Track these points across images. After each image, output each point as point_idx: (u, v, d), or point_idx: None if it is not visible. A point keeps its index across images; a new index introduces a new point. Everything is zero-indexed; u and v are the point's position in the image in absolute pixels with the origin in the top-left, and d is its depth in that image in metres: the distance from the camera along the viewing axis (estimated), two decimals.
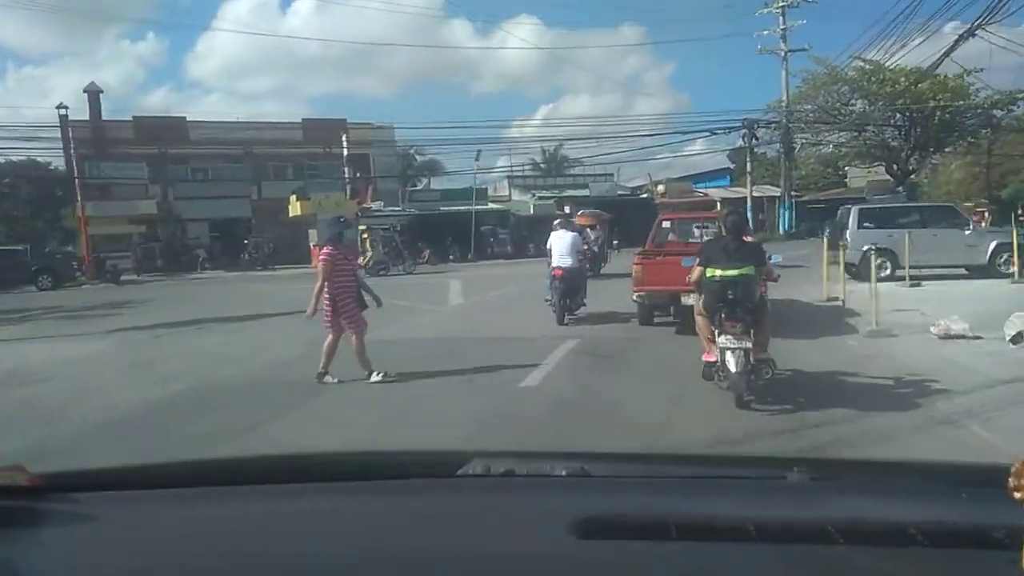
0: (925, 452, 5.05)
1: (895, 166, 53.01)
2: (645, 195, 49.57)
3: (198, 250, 37.24)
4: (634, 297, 11.30)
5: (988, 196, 54.29)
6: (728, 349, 6.55)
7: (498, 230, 40.72)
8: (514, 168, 48.40)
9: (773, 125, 46.65)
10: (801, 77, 48.45)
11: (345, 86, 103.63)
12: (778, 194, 47.86)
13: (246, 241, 37.55)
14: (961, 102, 47.76)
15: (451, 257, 38.02)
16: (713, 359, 6.84)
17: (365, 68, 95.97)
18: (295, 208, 37.50)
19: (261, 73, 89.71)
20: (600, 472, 1.59)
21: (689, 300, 9.07)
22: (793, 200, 46.29)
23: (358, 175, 42.17)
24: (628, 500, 1.36)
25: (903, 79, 46.24)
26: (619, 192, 48.62)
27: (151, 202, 37.29)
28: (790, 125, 45.67)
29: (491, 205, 42.73)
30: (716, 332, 6.75)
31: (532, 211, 43.17)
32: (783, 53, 45.95)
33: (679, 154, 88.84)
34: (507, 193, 48.38)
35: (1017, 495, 0.92)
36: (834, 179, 60.39)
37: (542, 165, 58.92)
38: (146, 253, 34.08)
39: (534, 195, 46.12)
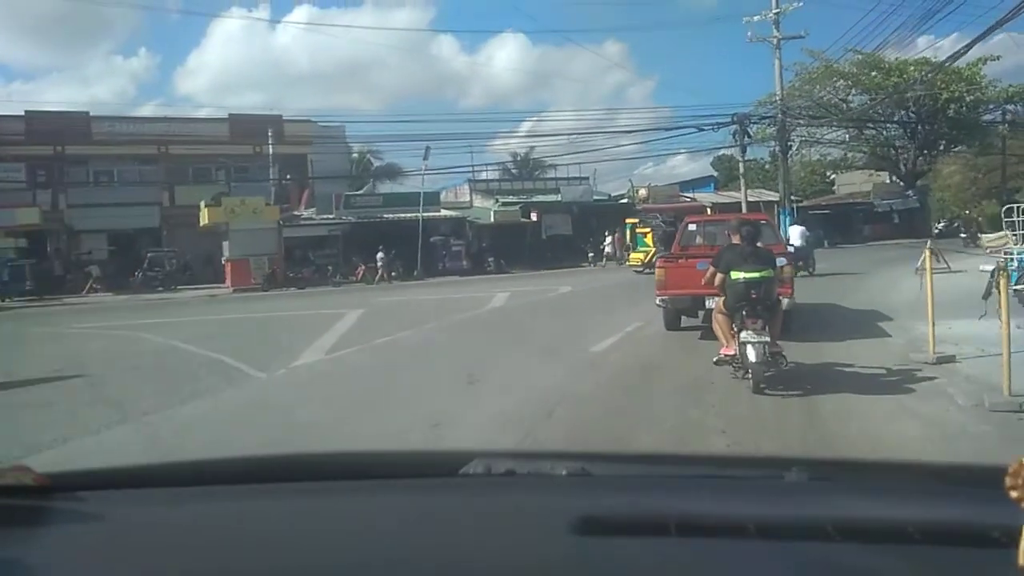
0: None
1: (902, 167, 47.73)
2: (625, 200, 43.97)
3: (91, 267, 31.24)
4: (657, 302, 11.05)
5: (1002, 200, 49.17)
6: (749, 343, 7.28)
7: (451, 241, 35.01)
8: (476, 169, 42.65)
9: (767, 121, 41.10)
10: (794, 71, 43.02)
11: (330, 102, 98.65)
12: (776, 198, 42.30)
13: (151, 255, 31.65)
14: (978, 94, 42.58)
15: (393, 274, 32.30)
16: (732, 352, 7.67)
17: (351, 84, 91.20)
18: (204, 216, 31.64)
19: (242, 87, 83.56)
20: (601, 472, 1.57)
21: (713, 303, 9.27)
22: (794, 205, 40.78)
23: (288, 177, 36.31)
24: (629, 499, 1.36)
25: (912, 68, 40.92)
26: (595, 198, 42.90)
27: (34, 210, 31.28)
28: (786, 120, 40.11)
29: (444, 212, 36.89)
30: (737, 328, 7.56)
31: (492, 219, 37.41)
32: (776, 41, 40.39)
33: (661, 154, 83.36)
34: (468, 199, 42.62)
35: (1014, 494, 0.91)
36: (821, 186, 55.12)
37: (513, 170, 53.33)
38: (13, 273, 28.03)
39: (498, 201, 40.41)
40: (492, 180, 43.62)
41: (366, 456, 2.00)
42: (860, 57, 40.62)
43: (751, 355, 7.21)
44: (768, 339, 7.30)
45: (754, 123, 40.40)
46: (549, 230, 39.74)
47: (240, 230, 30.83)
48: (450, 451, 2.22)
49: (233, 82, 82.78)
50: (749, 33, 40.13)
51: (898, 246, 37.78)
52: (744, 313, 7.45)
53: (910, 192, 46.89)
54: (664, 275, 10.96)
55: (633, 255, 29.67)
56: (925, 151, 46.36)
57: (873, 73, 42.61)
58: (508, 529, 1.25)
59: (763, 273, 7.59)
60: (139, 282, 30.41)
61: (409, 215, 33.92)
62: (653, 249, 26.11)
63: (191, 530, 1.30)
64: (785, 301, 9.21)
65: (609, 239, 36.74)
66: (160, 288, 30.29)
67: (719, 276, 7.88)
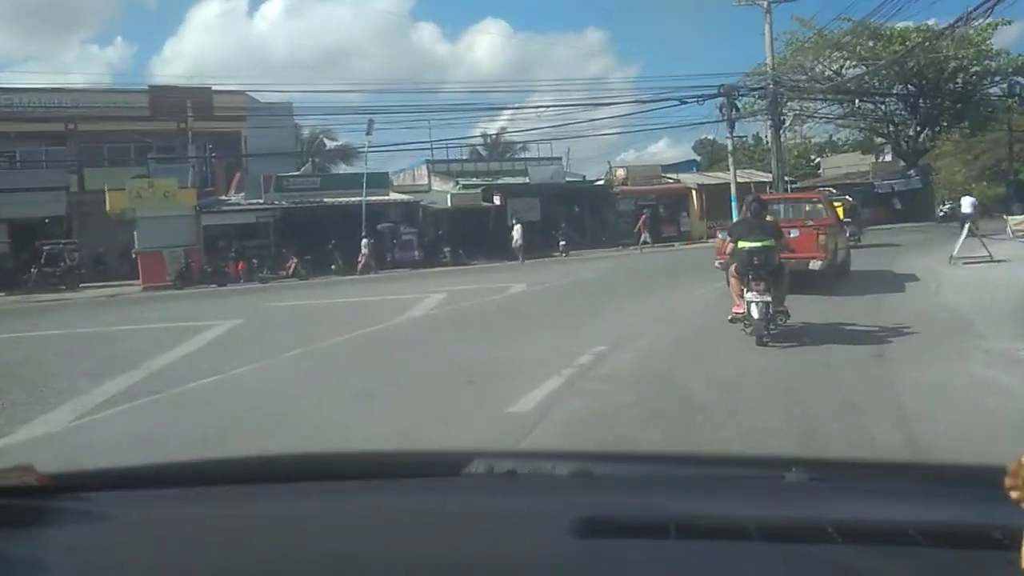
0: None
1: (903, 144, 43.83)
2: (600, 182, 39.82)
3: None
4: (717, 264, 12.11)
5: (1008, 181, 45.45)
6: (753, 302, 8.42)
7: (402, 229, 30.72)
8: (435, 147, 38.30)
9: (756, 93, 37.01)
10: (784, 40, 38.92)
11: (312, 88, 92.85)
12: (767, 179, 38.29)
13: (48, 249, 27.23)
14: (986, 63, 38.69)
15: (332, 267, 28.09)
16: (741, 311, 8.78)
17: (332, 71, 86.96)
18: (109, 201, 27.25)
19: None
20: (602, 472, 1.55)
21: None
22: (788, 186, 36.82)
23: (213, 155, 31.83)
24: (630, 500, 1.36)
25: (915, 35, 36.95)
26: (568, 179, 38.69)
27: None
28: (779, 91, 36.02)
29: (394, 196, 32.54)
30: (744, 290, 8.65)
31: (450, 203, 33.16)
32: (766, 4, 36.26)
33: (641, 130, 78.96)
34: (426, 181, 38.32)
35: (1014, 495, 0.91)
36: (806, 170, 51.29)
37: (483, 152, 49.00)
38: None
39: (458, 183, 36.17)
40: (454, 161, 39.08)
41: (367, 456, 1.99)
42: (853, 25, 36.56)
43: (754, 312, 8.41)
44: (769, 299, 8.40)
45: (742, 95, 36.36)
46: (515, 215, 35.52)
47: (150, 217, 26.53)
48: (451, 451, 2.09)
49: (207, 65, 78.03)
50: None
51: (903, 231, 33.97)
52: (750, 276, 8.58)
53: (912, 172, 42.99)
54: (722, 242, 12.03)
55: None
56: (927, 127, 42.43)
57: (871, 43, 38.65)
58: (509, 529, 1.25)
59: (765, 243, 8.77)
60: (33, 280, 26.01)
61: (354, 199, 29.62)
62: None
63: (193, 530, 1.30)
64: (817, 263, 12.18)
65: (644, 217, 33.39)
66: (63, 287, 25.94)
67: (730, 245, 9.22)
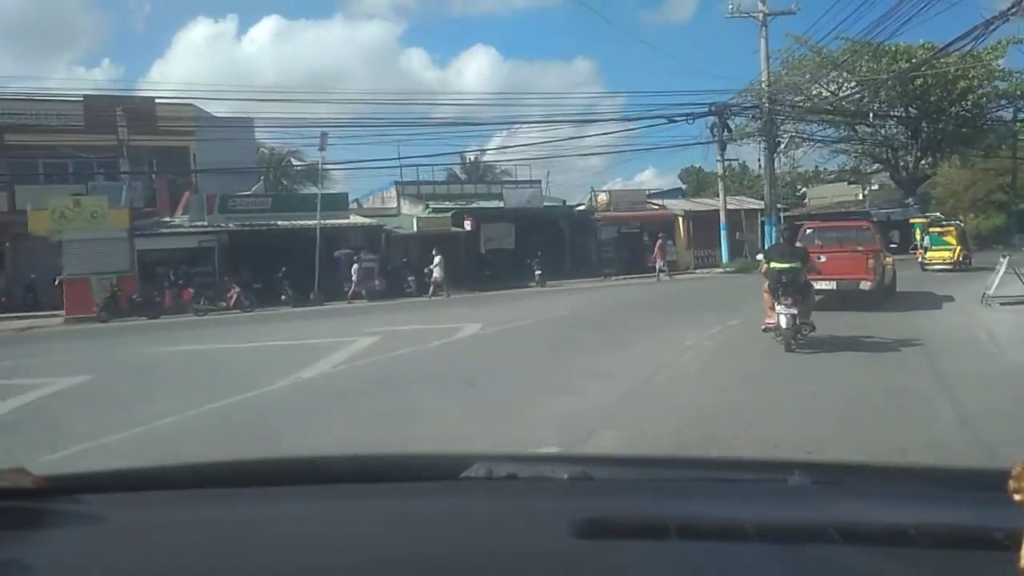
0: None
1: (902, 171, 41.48)
2: (581, 207, 37.21)
3: None
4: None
5: (1011, 211, 43.19)
6: (780, 314, 10.04)
7: (363, 256, 27.89)
8: (405, 167, 35.53)
9: (750, 113, 34.65)
10: (779, 59, 36.62)
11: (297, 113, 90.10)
12: (760, 207, 35.78)
13: None
14: (997, 83, 36.47)
15: (283, 297, 25.26)
16: (772, 322, 10.37)
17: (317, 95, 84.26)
18: (31, 222, 24.37)
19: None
20: (602, 475, 1.57)
21: (817, 285, 12.33)
22: (780, 214, 34.32)
23: (154, 172, 28.97)
24: (630, 503, 1.36)
25: (921, 52, 34.67)
26: (546, 203, 36.04)
27: None
28: (775, 110, 33.60)
29: (355, 219, 29.73)
30: (775, 304, 10.21)
31: (416, 228, 30.40)
32: (761, 16, 33.97)
33: (627, 150, 76.78)
34: (395, 204, 35.60)
35: (1017, 497, 0.90)
36: (792, 199, 48.86)
37: (461, 175, 46.34)
38: None
39: (428, 206, 33.48)
40: (425, 182, 36.34)
41: (366, 459, 1.96)
42: (851, 43, 34.23)
43: (782, 323, 10.05)
44: (795, 312, 10.00)
45: (735, 114, 33.99)
46: (489, 243, 32.82)
47: (76, 240, 23.66)
48: (451, 454, 1.86)
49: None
50: (731, 6, 33.85)
51: (904, 264, 31.46)
52: (779, 292, 10.16)
53: (910, 200, 40.53)
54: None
55: (931, 254, 28.03)
56: (928, 153, 40.09)
57: (873, 64, 36.36)
58: (509, 532, 1.24)
59: (792, 265, 10.44)
60: None
61: (309, 223, 26.81)
62: (958, 247, 27.04)
63: (189, 533, 1.29)
64: (867, 284, 14.20)
65: (659, 243, 31.21)
66: None
67: (764, 266, 11.04)
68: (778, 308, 10.05)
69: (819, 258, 12.54)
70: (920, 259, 28.26)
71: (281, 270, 25.69)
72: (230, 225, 26.94)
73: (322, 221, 26.73)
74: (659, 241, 31.44)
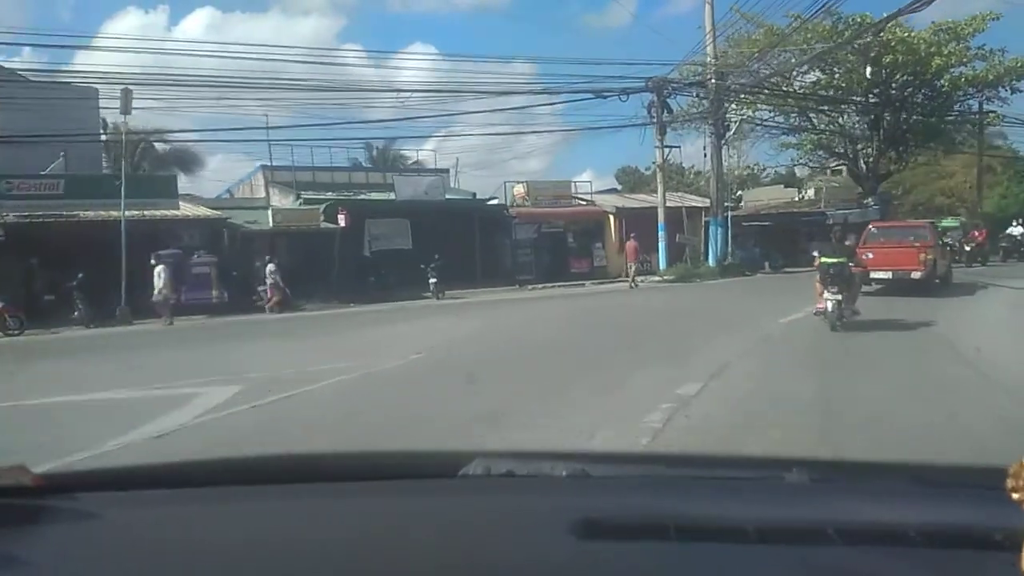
0: None
1: (863, 166, 36.46)
2: (495, 200, 31.02)
3: None
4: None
5: (968, 210, 38.91)
6: (828, 300, 11.69)
7: (195, 258, 21.12)
8: (274, 142, 28.75)
9: (694, 89, 28.93)
10: (724, 37, 31.06)
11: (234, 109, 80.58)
12: (704, 205, 30.17)
13: None
14: (976, 63, 31.61)
15: (74, 314, 18.51)
16: (822, 307, 11.98)
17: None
18: None
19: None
20: (600, 473, 1.55)
21: (877, 275, 16.16)
22: (728, 214, 28.76)
23: None
24: (628, 501, 1.36)
25: (896, 29, 29.51)
26: (449, 196, 29.71)
27: None
28: (723, 86, 28.00)
29: (186, 210, 22.76)
30: (824, 292, 11.80)
31: (272, 223, 23.65)
32: None
33: (552, 131, 70.93)
34: (264, 194, 28.82)
35: (1016, 496, 0.91)
36: (729, 202, 43.96)
37: (366, 165, 39.56)
38: None
39: (300, 196, 26.83)
40: (301, 168, 29.49)
41: (364, 457, 1.95)
42: (803, 21, 28.86)
43: (829, 307, 11.66)
44: (840, 298, 11.56)
45: (676, 91, 28.21)
46: (376, 242, 26.31)
47: None
48: (450, 452, 1.99)
49: None
50: None
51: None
52: (828, 282, 11.74)
53: (869, 200, 35.42)
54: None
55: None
56: (892, 147, 35.10)
57: (834, 38, 31.16)
58: (507, 530, 1.24)
59: (839, 260, 12.07)
60: None
61: (112, 214, 19.90)
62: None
63: (188, 532, 1.28)
64: (917, 274, 16.53)
65: (631, 243, 25.98)
66: None
67: (817, 261, 12.56)
68: (826, 295, 11.77)
69: (867, 255, 15.35)
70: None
71: (77, 277, 18.85)
72: (10, 216, 19.85)
73: (141, 212, 19.93)
74: (631, 242, 25.69)
